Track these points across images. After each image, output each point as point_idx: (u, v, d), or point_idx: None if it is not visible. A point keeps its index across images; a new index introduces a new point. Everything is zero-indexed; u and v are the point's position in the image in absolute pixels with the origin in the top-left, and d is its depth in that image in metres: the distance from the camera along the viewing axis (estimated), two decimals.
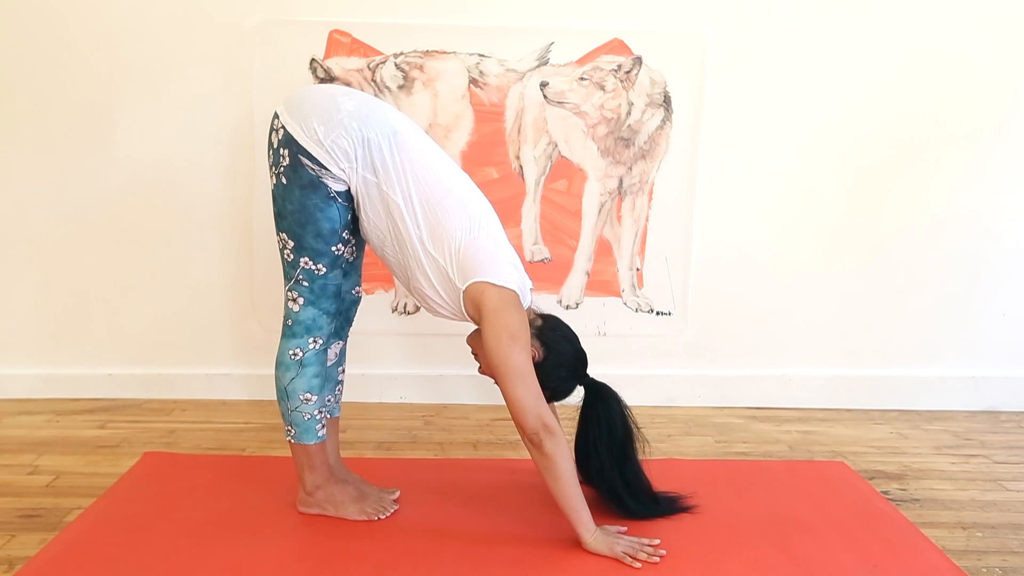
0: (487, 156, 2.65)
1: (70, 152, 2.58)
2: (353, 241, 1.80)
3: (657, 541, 1.74)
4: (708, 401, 2.80)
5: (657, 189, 2.69)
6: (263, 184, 2.62)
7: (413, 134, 1.74)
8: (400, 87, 2.59)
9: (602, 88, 2.61)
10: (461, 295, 1.69)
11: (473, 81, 2.60)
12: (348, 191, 1.70)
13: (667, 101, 2.64)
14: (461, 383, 2.76)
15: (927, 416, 2.76)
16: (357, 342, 2.73)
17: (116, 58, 2.54)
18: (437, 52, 2.58)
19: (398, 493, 1.94)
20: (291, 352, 1.78)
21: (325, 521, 1.84)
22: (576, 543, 1.73)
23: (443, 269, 1.70)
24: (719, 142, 2.66)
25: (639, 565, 1.67)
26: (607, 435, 1.83)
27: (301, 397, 1.79)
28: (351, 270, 1.90)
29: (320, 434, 1.83)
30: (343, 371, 1.97)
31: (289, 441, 1.83)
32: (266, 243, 2.66)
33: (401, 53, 2.58)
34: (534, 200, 2.69)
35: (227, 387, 2.73)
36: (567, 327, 1.88)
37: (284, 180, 1.68)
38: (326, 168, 1.65)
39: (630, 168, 2.68)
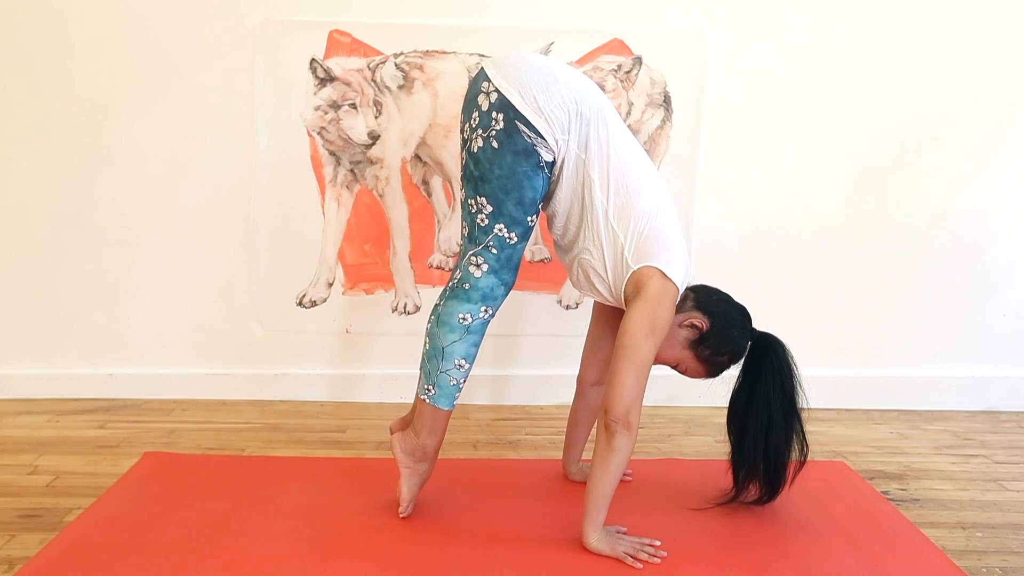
0: None
1: (70, 152, 2.58)
2: (539, 214, 1.80)
3: (658, 542, 1.74)
4: (708, 401, 2.79)
5: None
6: (263, 184, 2.62)
7: (615, 114, 1.77)
8: (400, 87, 2.59)
9: (602, 88, 2.61)
10: (629, 274, 1.71)
11: None
12: (553, 162, 1.71)
13: (667, 101, 2.64)
14: None
15: (927, 416, 2.76)
16: (357, 342, 2.75)
17: (116, 58, 2.54)
18: (437, 52, 2.58)
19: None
20: (461, 315, 1.76)
21: (325, 521, 1.84)
22: (577, 543, 1.73)
23: (620, 246, 1.72)
24: (719, 142, 2.66)
25: (640, 566, 1.67)
26: (779, 386, 1.81)
27: (456, 362, 1.77)
28: None
29: (454, 403, 1.81)
30: None
31: (423, 400, 1.79)
32: (266, 243, 2.67)
33: (401, 53, 2.58)
34: None
35: (227, 387, 2.73)
36: (718, 289, 1.89)
37: (495, 144, 1.67)
38: (543, 137, 1.66)
39: None
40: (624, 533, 1.78)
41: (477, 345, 1.79)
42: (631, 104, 2.62)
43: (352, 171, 2.65)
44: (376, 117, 2.61)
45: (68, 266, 2.65)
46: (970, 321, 2.81)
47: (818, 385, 2.79)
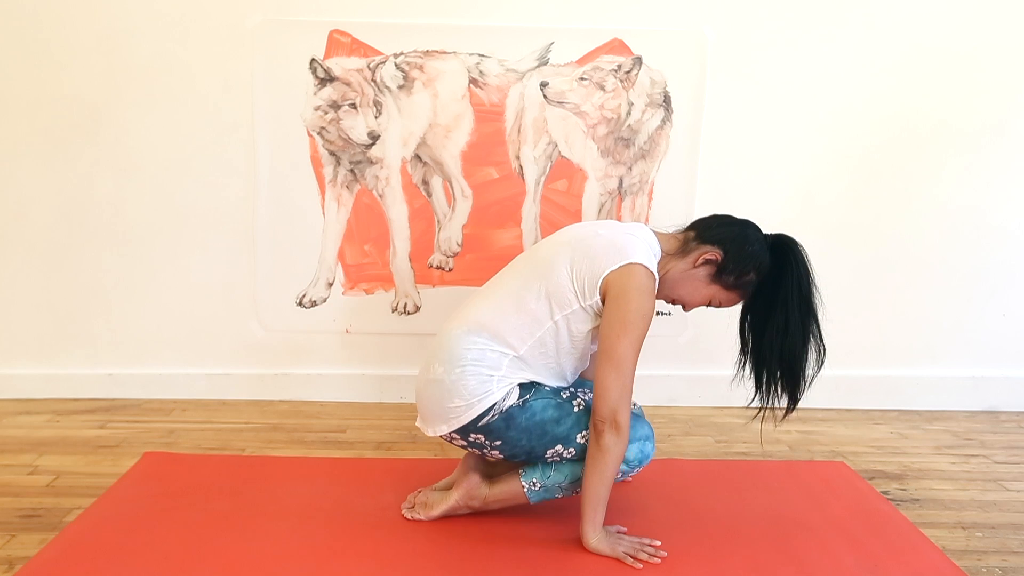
0: (487, 156, 2.65)
1: (70, 152, 2.58)
2: (573, 387, 1.82)
3: (659, 543, 1.74)
4: (708, 401, 2.80)
5: (657, 189, 2.69)
6: (263, 184, 2.63)
7: (474, 311, 1.77)
8: (400, 87, 2.59)
9: (602, 88, 2.61)
10: (598, 303, 1.70)
11: (473, 81, 2.60)
12: (520, 383, 1.72)
13: (667, 101, 2.64)
14: None
15: (927, 416, 2.76)
16: (356, 341, 2.75)
17: (116, 58, 2.54)
18: (437, 52, 2.58)
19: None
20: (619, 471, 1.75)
21: (325, 521, 1.84)
22: (577, 543, 1.73)
23: (578, 304, 1.70)
24: (719, 142, 2.66)
25: (640, 566, 1.67)
26: (797, 287, 1.77)
27: (577, 490, 1.78)
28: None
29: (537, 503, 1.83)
30: None
31: (522, 484, 1.79)
32: (266, 243, 2.67)
33: (401, 53, 2.58)
34: (534, 200, 2.69)
35: (227, 387, 2.73)
36: (715, 215, 1.85)
37: (499, 442, 1.72)
38: (496, 401, 1.69)
39: (630, 168, 2.68)
40: (624, 533, 1.78)
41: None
42: (631, 104, 2.63)
43: (352, 171, 2.65)
44: (376, 117, 2.61)
45: (68, 266, 2.65)
46: (970, 321, 2.81)
47: (818, 385, 2.76)
